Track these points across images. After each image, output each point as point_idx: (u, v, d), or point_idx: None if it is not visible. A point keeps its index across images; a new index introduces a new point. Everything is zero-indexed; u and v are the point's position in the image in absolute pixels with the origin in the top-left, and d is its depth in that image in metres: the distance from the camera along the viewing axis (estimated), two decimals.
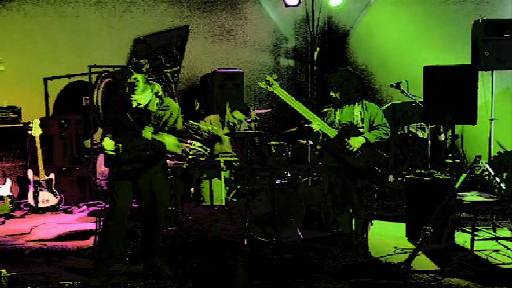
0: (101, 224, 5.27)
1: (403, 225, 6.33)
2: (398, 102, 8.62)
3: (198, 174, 6.61)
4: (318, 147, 6.70)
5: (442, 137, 7.96)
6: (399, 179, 8.27)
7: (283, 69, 10.27)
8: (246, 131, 6.91)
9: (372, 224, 6.28)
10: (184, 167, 6.54)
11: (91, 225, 6.45)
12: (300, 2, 8.45)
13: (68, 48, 8.74)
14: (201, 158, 6.74)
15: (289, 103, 5.54)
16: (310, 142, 7.06)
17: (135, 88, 4.66)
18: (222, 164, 6.56)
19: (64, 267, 5.22)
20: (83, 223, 7.01)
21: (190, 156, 6.65)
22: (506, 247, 5.68)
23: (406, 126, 8.64)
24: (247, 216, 5.92)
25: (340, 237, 5.78)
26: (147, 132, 4.67)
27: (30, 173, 7.58)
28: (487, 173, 7.23)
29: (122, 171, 4.85)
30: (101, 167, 7.89)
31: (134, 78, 4.71)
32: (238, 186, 6.53)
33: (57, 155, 8.23)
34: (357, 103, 5.66)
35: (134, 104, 4.72)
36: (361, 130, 5.62)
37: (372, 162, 5.65)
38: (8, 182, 7.54)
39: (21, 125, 7.96)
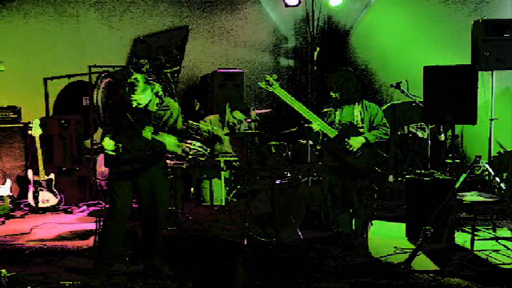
0: (101, 224, 5.26)
1: (403, 225, 6.33)
2: (398, 102, 8.63)
3: (198, 174, 6.60)
4: (318, 147, 6.70)
5: (442, 137, 7.97)
6: (399, 179, 8.27)
7: (283, 69, 10.26)
8: (246, 131, 6.91)
9: (372, 224, 6.28)
10: (184, 167, 6.54)
11: (91, 225, 6.45)
12: (300, 2, 8.46)
13: (68, 48, 8.74)
14: (201, 158, 6.74)
15: (289, 103, 5.54)
16: (310, 142, 7.06)
17: (135, 88, 4.66)
18: (222, 164, 6.56)
19: (64, 267, 5.22)
20: (83, 223, 7.01)
21: (190, 156, 6.65)
22: (506, 247, 5.67)
23: (406, 126, 8.64)
24: (247, 216, 5.92)
25: (340, 237, 5.78)
26: (147, 132, 4.67)
27: (30, 173, 7.58)
28: (487, 173, 7.24)
29: (122, 171, 4.85)
30: (101, 167, 7.89)
31: (134, 78, 4.71)
32: (238, 186, 6.52)
33: (57, 155, 8.23)
34: (357, 103, 5.66)
35: (134, 104, 4.72)
36: (361, 130, 5.62)
37: (372, 162, 5.65)
38: (8, 182, 7.54)
39: (21, 125, 7.96)
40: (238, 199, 6.32)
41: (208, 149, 6.94)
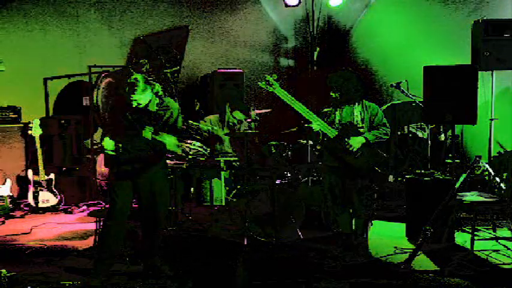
0: (101, 224, 5.26)
1: (403, 225, 6.33)
2: (399, 102, 8.63)
3: (198, 174, 6.61)
4: (318, 147, 6.70)
5: (442, 137, 7.97)
6: (399, 179, 8.26)
7: (283, 69, 10.26)
8: (246, 131, 6.91)
9: (372, 224, 6.28)
10: (184, 167, 6.54)
11: (91, 225, 6.45)
12: (300, 2, 8.47)
13: (68, 48, 8.75)
14: (201, 158, 6.74)
15: (289, 103, 5.53)
16: (310, 142, 7.06)
17: (135, 88, 4.66)
18: (222, 164, 6.56)
19: (64, 267, 5.22)
20: (83, 223, 7.01)
21: (190, 156, 6.65)
22: (506, 247, 5.67)
23: (406, 126, 8.64)
24: (247, 216, 5.92)
25: (340, 237, 5.78)
26: (147, 132, 4.67)
27: (30, 173, 7.58)
28: (487, 173, 7.23)
29: (122, 171, 4.85)
30: (101, 167, 7.89)
31: (134, 78, 4.71)
32: (238, 186, 6.52)
33: (57, 155, 8.23)
34: (357, 103, 5.66)
35: (134, 104, 4.72)
36: (361, 130, 5.62)
37: (372, 162, 5.64)
38: (8, 182, 7.54)
39: (21, 125, 7.97)
40: (238, 199, 6.32)
41: (208, 149, 6.94)
